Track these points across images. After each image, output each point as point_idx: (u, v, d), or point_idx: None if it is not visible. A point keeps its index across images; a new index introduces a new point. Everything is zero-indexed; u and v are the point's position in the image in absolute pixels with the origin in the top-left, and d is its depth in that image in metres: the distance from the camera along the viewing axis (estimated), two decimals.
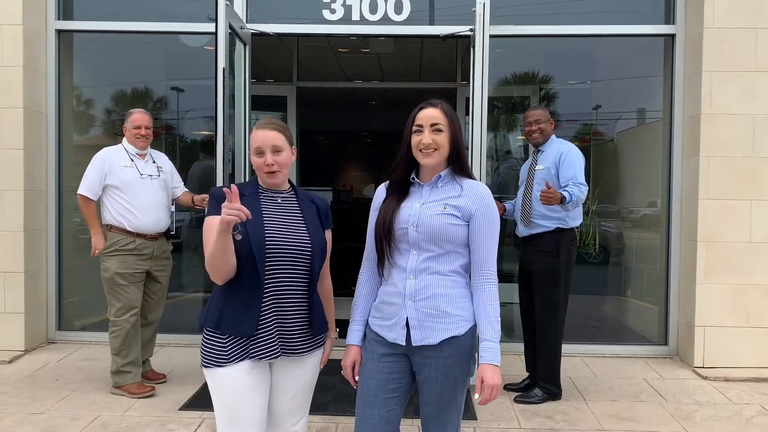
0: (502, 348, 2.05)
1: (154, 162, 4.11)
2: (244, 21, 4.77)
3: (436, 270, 1.99)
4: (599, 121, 5.51)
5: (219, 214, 2.00)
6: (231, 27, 4.23)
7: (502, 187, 5.48)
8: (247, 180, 4.50)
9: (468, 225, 2.01)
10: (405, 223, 2.01)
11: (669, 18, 5.02)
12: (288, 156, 2.10)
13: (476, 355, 2.05)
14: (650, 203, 5.35)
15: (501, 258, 2.06)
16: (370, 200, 2.22)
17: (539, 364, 3.96)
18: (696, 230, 4.67)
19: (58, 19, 5.15)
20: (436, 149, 2.00)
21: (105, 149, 4.02)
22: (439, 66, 7.91)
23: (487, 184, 2.43)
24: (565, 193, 3.67)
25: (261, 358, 2.02)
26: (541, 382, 3.94)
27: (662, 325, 5.10)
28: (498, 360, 1.95)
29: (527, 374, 4.14)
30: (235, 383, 2.01)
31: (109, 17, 5.16)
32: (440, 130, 2.01)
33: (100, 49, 5.44)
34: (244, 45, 4.63)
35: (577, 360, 4.83)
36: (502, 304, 2.03)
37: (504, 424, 3.56)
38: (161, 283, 4.14)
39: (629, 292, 5.46)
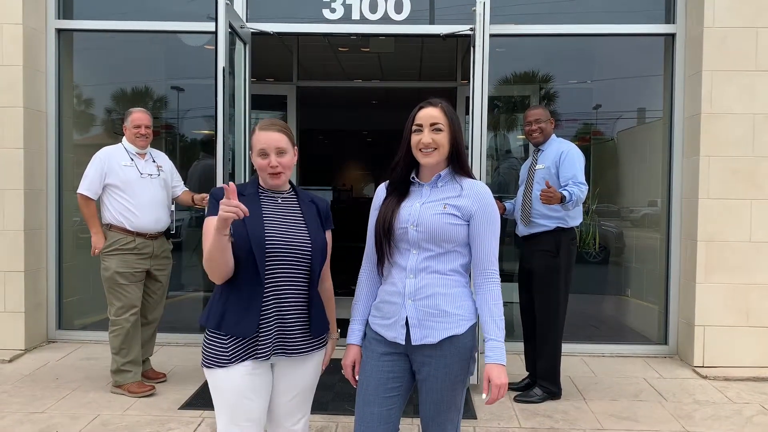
0: None
1: (154, 161, 4.11)
2: (244, 20, 4.77)
3: (436, 269, 2.00)
4: (599, 120, 5.51)
5: (217, 212, 2.00)
6: (231, 26, 4.23)
7: (503, 187, 5.48)
8: (247, 179, 4.51)
9: (468, 224, 2.01)
10: (405, 223, 2.01)
11: (669, 17, 5.02)
12: (291, 157, 2.10)
13: (476, 354, 2.06)
14: (650, 202, 5.35)
15: (501, 257, 2.06)
16: (370, 199, 2.22)
17: (539, 364, 3.96)
18: (696, 229, 4.67)
19: (58, 18, 5.15)
20: (435, 149, 2.00)
21: (105, 148, 4.02)
22: (439, 65, 7.91)
23: (487, 184, 2.43)
24: (565, 193, 3.66)
25: (262, 359, 2.02)
26: (541, 381, 3.95)
27: (662, 324, 5.10)
28: (504, 359, 1.95)
29: (527, 373, 4.15)
30: (235, 383, 2.01)
31: (109, 16, 5.16)
32: (440, 130, 2.01)
33: (100, 48, 5.44)
34: (244, 44, 4.62)
35: (576, 359, 4.83)
36: (503, 304, 2.03)
37: (504, 423, 3.57)
38: (161, 283, 4.14)
39: (629, 292, 5.46)
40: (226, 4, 4.09)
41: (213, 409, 2.09)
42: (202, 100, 5.46)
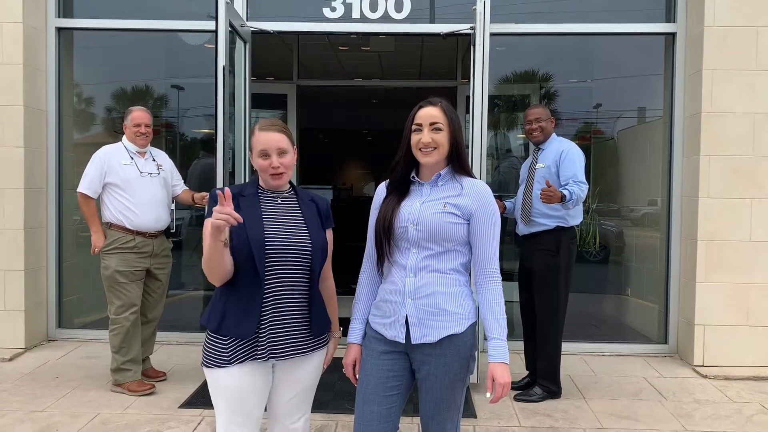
0: None
1: (154, 160, 4.11)
2: (245, 19, 4.77)
3: (436, 268, 2.00)
4: (599, 119, 5.51)
5: None
6: (231, 25, 4.22)
7: (503, 186, 5.48)
8: (246, 179, 4.51)
9: (468, 223, 2.01)
10: (405, 222, 2.01)
11: (670, 16, 5.02)
12: (292, 157, 2.10)
13: (476, 353, 2.06)
14: (650, 202, 5.34)
15: (501, 256, 2.06)
16: (371, 199, 2.22)
17: (539, 363, 3.96)
18: (696, 229, 4.67)
19: (59, 17, 5.15)
20: (435, 148, 2.00)
21: (105, 147, 4.02)
22: (439, 64, 7.90)
23: (487, 183, 2.43)
24: (565, 192, 3.66)
25: (262, 360, 2.02)
26: (541, 380, 3.95)
27: (662, 323, 5.10)
28: (507, 358, 1.95)
29: (527, 372, 4.14)
30: (235, 383, 2.01)
31: (109, 15, 5.16)
32: (440, 129, 2.01)
33: (101, 47, 5.43)
34: (245, 43, 4.62)
35: (576, 358, 4.83)
36: None
37: (504, 423, 3.57)
38: (161, 281, 4.14)
39: (629, 291, 5.46)
40: (227, 2, 4.09)
41: (213, 408, 2.09)
42: (202, 98, 5.46)
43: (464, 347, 1.99)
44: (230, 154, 4.30)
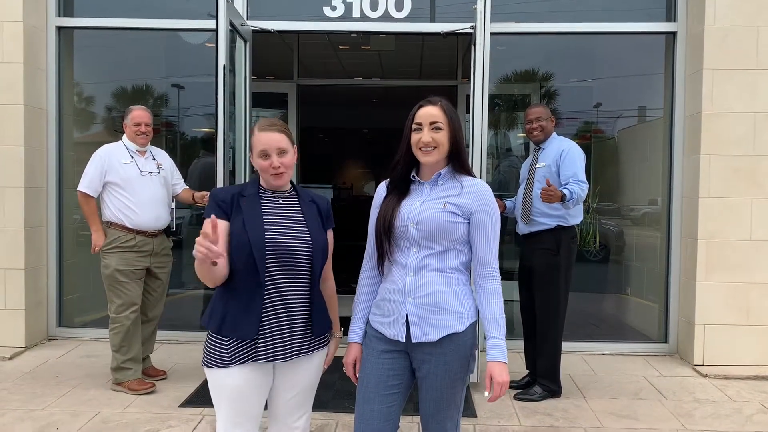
0: None
1: (154, 159, 4.11)
2: (245, 18, 4.77)
3: (436, 267, 2.00)
4: (600, 118, 5.50)
5: (217, 214, 2.01)
6: (231, 24, 4.22)
7: (503, 185, 5.48)
8: (247, 178, 4.51)
9: (468, 223, 2.01)
10: (405, 221, 2.01)
11: (670, 16, 5.02)
12: (292, 156, 2.10)
13: (476, 352, 2.06)
14: (651, 201, 5.34)
15: (501, 256, 2.06)
16: (371, 198, 2.22)
17: (539, 362, 3.96)
18: (696, 228, 4.67)
19: (59, 16, 5.15)
20: (435, 147, 2.00)
21: (105, 146, 4.02)
22: (439, 63, 7.90)
23: (487, 182, 2.43)
24: (565, 191, 3.66)
25: (263, 361, 2.02)
26: (541, 379, 3.95)
27: (662, 322, 5.10)
28: (505, 357, 1.96)
29: (527, 372, 4.15)
30: (236, 383, 2.01)
31: (109, 14, 5.16)
32: (440, 129, 2.01)
33: (101, 46, 5.43)
34: (245, 42, 4.62)
35: (577, 357, 4.83)
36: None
37: (504, 422, 3.57)
38: (161, 280, 4.14)
39: (629, 290, 5.46)
40: (227, 1, 4.09)
41: (213, 407, 2.09)
42: (202, 97, 5.46)
43: (464, 346, 1.99)
44: (230, 153, 4.30)
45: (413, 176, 2.09)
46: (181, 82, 5.55)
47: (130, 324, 3.92)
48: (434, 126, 2.00)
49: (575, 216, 3.95)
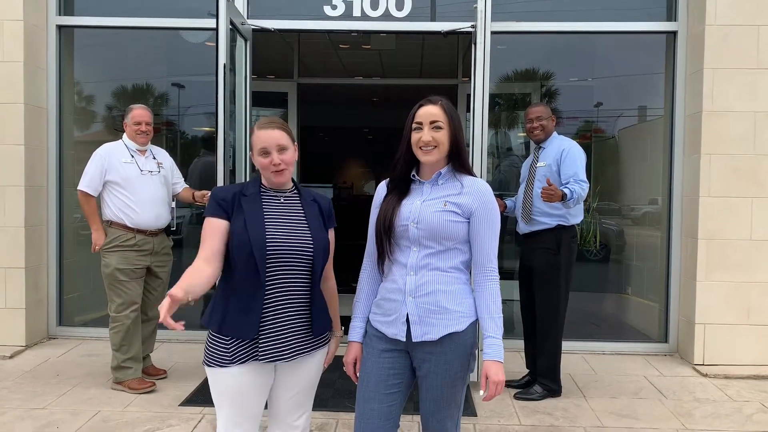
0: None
1: (154, 158, 4.11)
2: (245, 17, 4.77)
3: (437, 266, 2.00)
4: (600, 118, 5.50)
5: (218, 215, 2.01)
6: (232, 23, 4.22)
7: (504, 184, 5.48)
8: (247, 176, 4.51)
9: (468, 222, 2.01)
10: (406, 220, 2.01)
11: (671, 15, 5.01)
12: (293, 153, 2.10)
13: (476, 351, 2.06)
14: (651, 200, 5.34)
15: (501, 255, 2.06)
16: (371, 197, 2.22)
17: (539, 361, 3.96)
18: (697, 227, 4.67)
19: (59, 15, 5.15)
20: (435, 146, 2.00)
21: (105, 145, 4.02)
22: (440, 62, 7.89)
23: (488, 181, 2.43)
24: (566, 190, 3.66)
25: (263, 361, 2.02)
26: (541, 378, 3.95)
27: (662, 322, 5.10)
28: (501, 356, 1.95)
29: (527, 371, 4.15)
30: (237, 383, 2.01)
31: (109, 13, 5.16)
32: (440, 128, 2.00)
33: (101, 45, 5.43)
34: (245, 41, 4.62)
35: (577, 357, 4.83)
36: (503, 301, 2.03)
37: (504, 421, 3.57)
38: (161, 279, 4.14)
39: (630, 290, 5.46)
40: (227, 0, 4.08)
41: (213, 406, 2.09)
42: (202, 97, 5.46)
43: (465, 345, 1.99)
44: (231, 152, 4.30)
45: (413, 175, 2.09)
46: (181, 81, 5.55)
47: (131, 323, 3.92)
48: (434, 125, 2.00)
49: (576, 215, 3.95)
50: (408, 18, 4.93)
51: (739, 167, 4.62)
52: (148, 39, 5.38)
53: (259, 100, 5.83)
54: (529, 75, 5.56)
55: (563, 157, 3.85)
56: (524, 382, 4.09)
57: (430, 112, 2.02)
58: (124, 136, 4.07)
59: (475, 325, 2.03)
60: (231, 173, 4.28)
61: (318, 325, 2.11)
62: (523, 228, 4.05)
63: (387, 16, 4.93)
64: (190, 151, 5.55)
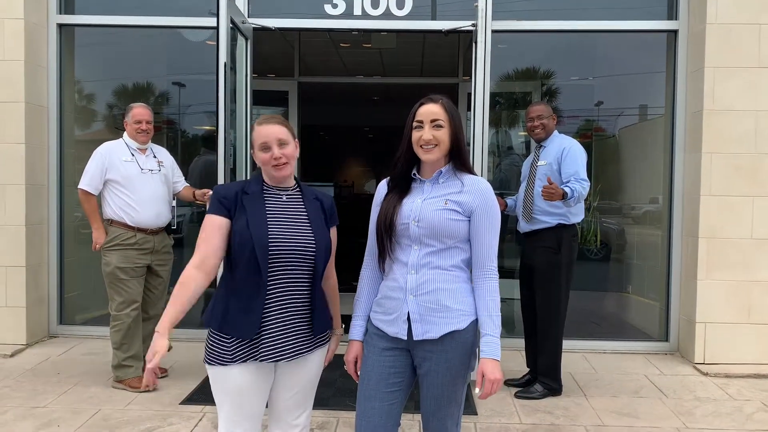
0: (503, 343, 2.05)
1: (154, 156, 4.11)
2: (246, 15, 4.77)
3: (437, 265, 2.00)
4: (601, 117, 5.50)
5: (220, 213, 2.00)
6: (232, 21, 4.22)
7: (504, 183, 5.48)
8: (248, 175, 4.51)
9: (469, 220, 2.01)
10: (406, 219, 2.01)
11: (672, 14, 5.01)
12: (293, 148, 2.09)
13: (477, 349, 2.06)
14: (652, 199, 5.34)
15: (502, 254, 2.07)
16: (372, 196, 2.22)
17: (540, 360, 3.97)
18: (697, 226, 4.66)
19: (60, 13, 5.15)
20: (436, 145, 2.00)
21: (105, 144, 4.02)
22: (441, 61, 7.89)
23: (488, 180, 2.43)
24: (566, 189, 3.66)
25: (264, 360, 2.02)
26: (542, 377, 3.95)
27: (663, 321, 5.10)
28: (498, 354, 1.96)
29: (528, 370, 4.15)
30: (237, 381, 2.01)
31: (110, 11, 5.16)
32: (441, 126, 2.00)
33: (102, 44, 5.43)
34: (246, 40, 4.62)
35: (577, 356, 4.83)
36: (503, 300, 2.03)
37: (504, 420, 3.57)
38: (162, 278, 4.14)
39: (630, 289, 5.46)
40: None
41: (214, 404, 2.10)
42: (203, 95, 5.46)
43: (465, 344, 1.99)
44: (231, 151, 4.30)
45: (414, 174, 2.09)
46: (182, 79, 5.55)
47: (131, 322, 3.92)
48: (435, 123, 2.00)
49: (576, 214, 3.95)
50: (409, 17, 4.93)
51: (740, 166, 4.62)
52: (148, 38, 5.38)
53: (260, 98, 5.84)
54: (529, 74, 5.55)
55: (564, 156, 3.85)
56: (525, 381, 4.09)
57: (430, 110, 2.02)
58: (125, 134, 4.07)
59: (476, 324, 2.03)
60: (232, 172, 4.28)
61: (319, 325, 2.11)
62: (523, 227, 4.05)
63: (388, 15, 4.92)
64: (190, 149, 5.55)
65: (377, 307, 2.11)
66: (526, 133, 4.47)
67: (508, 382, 4.09)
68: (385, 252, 2.06)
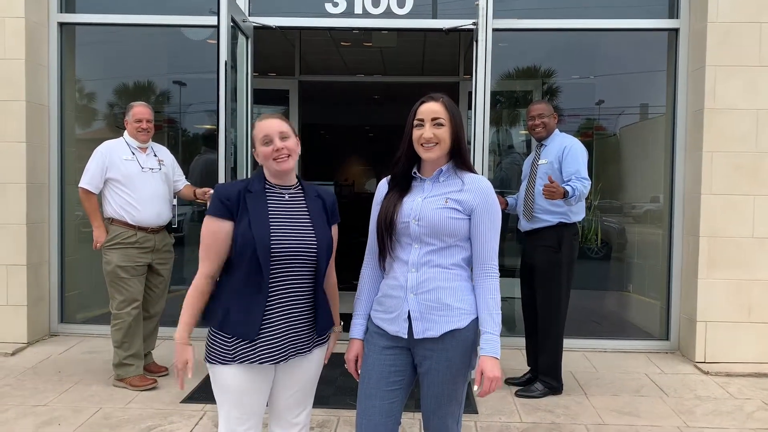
0: (504, 342, 2.06)
1: (155, 155, 4.11)
2: (247, 14, 4.77)
3: (438, 263, 2.00)
4: (602, 115, 5.50)
5: (221, 214, 2.00)
6: (233, 20, 4.22)
7: (505, 182, 5.47)
8: (248, 174, 4.50)
9: (469, 219, 2.01)
10: (407, 217, 2.01)
11: (673, 12, 5.00)
12: (295, 142, 2.08)
13: (477, 348, 2.06)
14: (653, 198, 5.34)
15: (503, 252, 2.06)
16: (372, 194, 2.22)
17: (541, 359, 3.96)
18: (698, 225, 4.66)
19: (61, 12, 5.15)
20: (437, 143, 2.00)
21: (106, 142, 4.02)
22: (441, 60, 7.89)
23: (489, 179, 2.43)
24: (567, 188, 3.66)
25: (265, 362, 2.01)
26: (543, 376, 3.95)
27: (664, 320, 5.10)
28: (498, 352, 1.95)
29: (528, 368, 4.15)
30: (238, 380, 2.01)
31: (111, 10, 5.16)
32: (441, 125, 2.00)
33: (103, 42, 5.43)
34: (247, 38, 4.62)
35: (578, 354, 4.83)
36: (504, 299, 2.03)
37: (505, 418, 3.57)
38: (163, 276, 4.14)
39: (631, 287, 5.46)
40: None
41: (215, 403, 2.10)
42: (204, 94, 5.46)
43: (466, 342, 1.99)
44: (232, 150, 4.30)
45: (414, 172, 2.09)
46: (182, 78, 5.55)
47: (132, 320, 3.92)
48: (436, 122, 2.00)
49: (577, 213, 3.95)
50: (409, 15, 4.92)
51: (741, 165, 4.62)
52: (149, 36, 5.38)
53: (261, 97, 5.84)
54: (530, 72, 5.55)
55: (565, 155, 3.85)
56: (525, 380, 4.09)
57: (431, 109, 2.01)
58: (125, 133, 4.07)
59: (476, 322, 2.03)
60: (232, 171, 4.28)
61: (321, 326, 2.11)
62: (524, 225, 4.05)
63: (388, 14, 4.92)
64: (191, 148, 5.55)
65: (378, 305, 2.11)
66: (526, 132, 4.47)
67: (509, 381, 4.09)
68: (385, 250, 2.06)
